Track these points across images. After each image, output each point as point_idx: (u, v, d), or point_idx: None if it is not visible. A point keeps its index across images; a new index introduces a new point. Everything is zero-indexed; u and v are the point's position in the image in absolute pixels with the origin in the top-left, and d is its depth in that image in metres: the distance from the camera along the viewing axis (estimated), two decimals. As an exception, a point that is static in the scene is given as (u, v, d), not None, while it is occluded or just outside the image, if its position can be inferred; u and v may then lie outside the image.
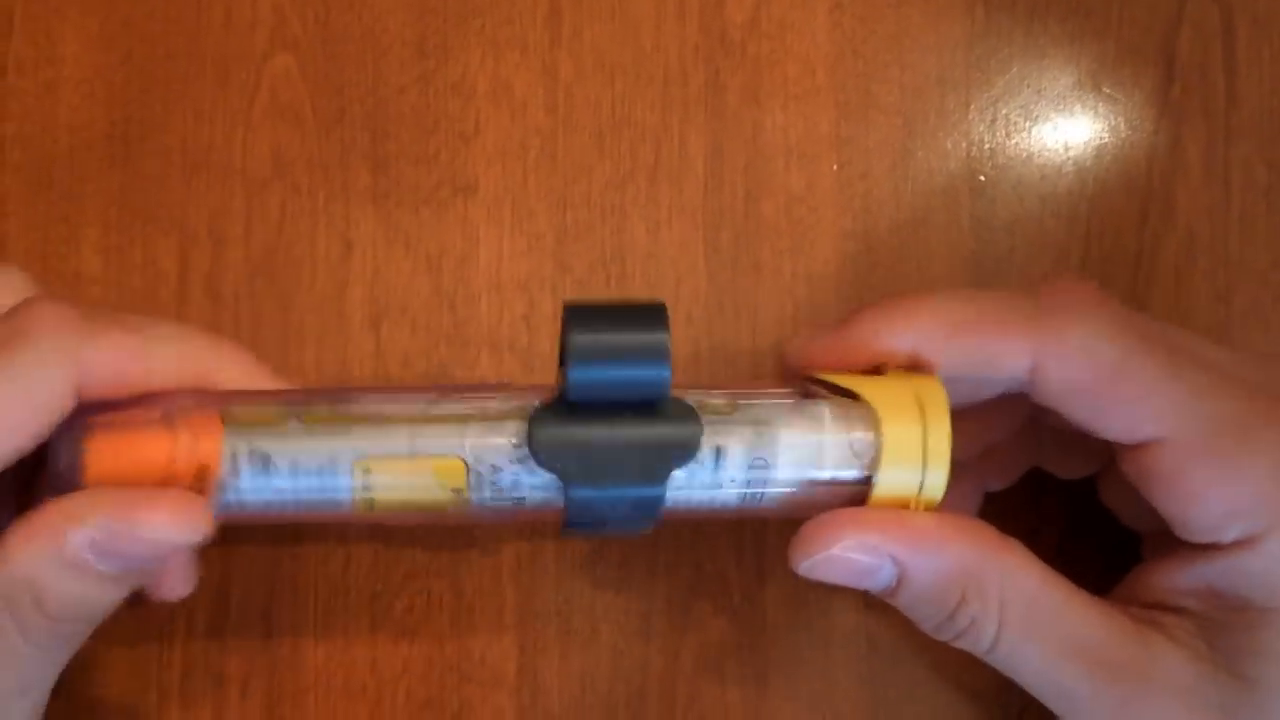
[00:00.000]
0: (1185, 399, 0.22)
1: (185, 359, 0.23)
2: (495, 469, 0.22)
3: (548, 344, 0.30)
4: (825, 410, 0.23)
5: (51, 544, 0.21)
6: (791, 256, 0.30)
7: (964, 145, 0.30)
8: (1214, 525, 0.22)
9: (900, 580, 0.23)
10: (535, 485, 0.23)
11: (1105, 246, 0.30)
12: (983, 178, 0.30)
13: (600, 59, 0.31)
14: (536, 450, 0.22)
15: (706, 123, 0.30)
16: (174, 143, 0.30)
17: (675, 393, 0.23)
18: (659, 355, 0.21)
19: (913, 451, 0.22)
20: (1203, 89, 0.30)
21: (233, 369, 0.24)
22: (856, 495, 0.23)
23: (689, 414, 0.22)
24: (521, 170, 0.30)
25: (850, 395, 0.23)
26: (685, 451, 0.22)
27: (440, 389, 0.24)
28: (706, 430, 0.22)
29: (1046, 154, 0.30)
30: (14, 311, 0.22)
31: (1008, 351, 0.23)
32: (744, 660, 0.29)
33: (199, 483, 0.22)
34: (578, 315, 0.22)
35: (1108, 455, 0.26)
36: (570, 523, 0.23)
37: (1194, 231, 0.30)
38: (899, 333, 0.24)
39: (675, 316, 0.30)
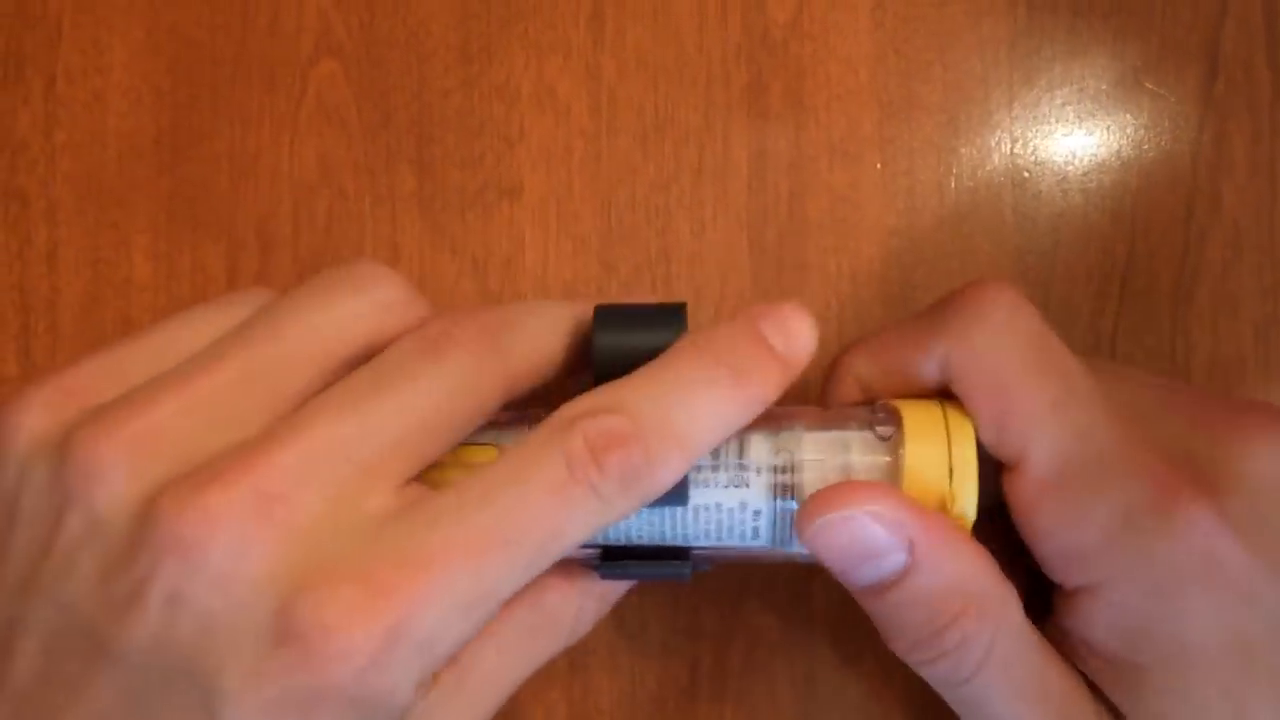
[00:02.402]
0: (1056, 429, 0.22)
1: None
2: None
3: (594, 345, 0.30)
4: (848, 410, 0.24)
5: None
6: (836, 255, 0.30)
7: (1007, 142, 0.30)
8: (1059, 567, 0.22)
9: (907, 572, 0.21)
10: None
11: (1151, 241, 0.30)
12: (1026, 174, 0.30)
13: (643, 61, 0.31)
14: None
15: (750, 123, 0.31)
16: (221, 149, 0.31)
17: None
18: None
19: (938, 439, 0.22)
20: (1247, 84, 0.30)
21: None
22: None
23: None
24: (566, 173, 0.31)
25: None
26: None
27: None
28: None
29: (1090, 150, 0.30)
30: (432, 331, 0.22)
31: (919, 360, 0.23)
32: (793, 659, 0.29)
33: None
34: (603, 317, 0.23)
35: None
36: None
37: (1240, 226, 0.30)
38: (849, 376, 0.25)
39: (720, 315, 0.30)
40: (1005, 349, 0.22)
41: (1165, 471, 0.21)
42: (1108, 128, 0.30)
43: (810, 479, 0.23)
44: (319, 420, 0.20)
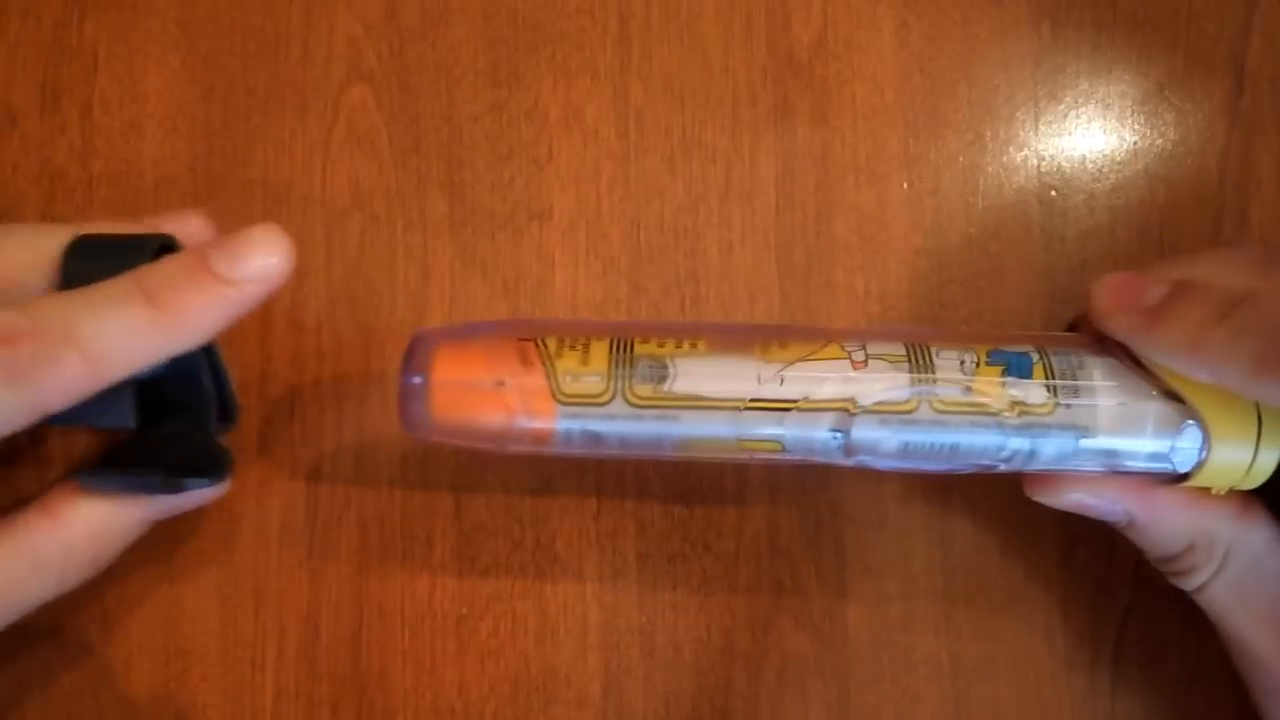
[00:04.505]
0: None
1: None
2: (811, 451, 0.24)
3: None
4: (1149, 412, 0.24)
5: None
6: (864, 274, 0.30)
7: (1033, 160, 0.30)
8: None
9: (1129, 526, 0.25)
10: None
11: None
12: (1053, 192, 0.30)
13: (670, 83, 0.31)
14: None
15: (776, 143, 0.31)
16: (255, 175, 0.31)
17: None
18: None
19: (1242, 448, 0.23)
20: (1273, 99, 0.30)
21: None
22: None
23: None
24: (595, 195, 0.31)
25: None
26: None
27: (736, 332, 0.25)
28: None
29: (1116, 166, 0.30)
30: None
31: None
32: (826, 678, 0.29)
33: (537, 444, 0.24)
34: (78, 246, 0.24)
35: None
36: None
37: (1267, 239, 0.30)
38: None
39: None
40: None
41: None
42: (1134, 144, 0.30)
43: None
44: None
